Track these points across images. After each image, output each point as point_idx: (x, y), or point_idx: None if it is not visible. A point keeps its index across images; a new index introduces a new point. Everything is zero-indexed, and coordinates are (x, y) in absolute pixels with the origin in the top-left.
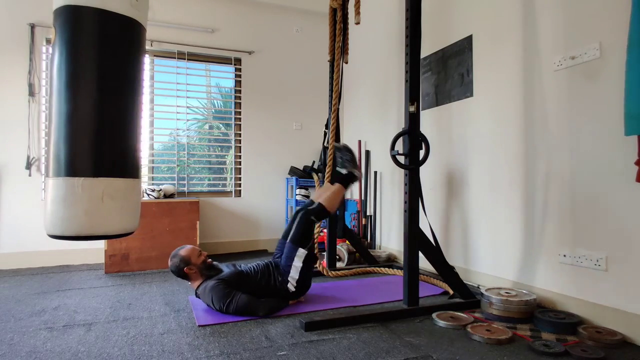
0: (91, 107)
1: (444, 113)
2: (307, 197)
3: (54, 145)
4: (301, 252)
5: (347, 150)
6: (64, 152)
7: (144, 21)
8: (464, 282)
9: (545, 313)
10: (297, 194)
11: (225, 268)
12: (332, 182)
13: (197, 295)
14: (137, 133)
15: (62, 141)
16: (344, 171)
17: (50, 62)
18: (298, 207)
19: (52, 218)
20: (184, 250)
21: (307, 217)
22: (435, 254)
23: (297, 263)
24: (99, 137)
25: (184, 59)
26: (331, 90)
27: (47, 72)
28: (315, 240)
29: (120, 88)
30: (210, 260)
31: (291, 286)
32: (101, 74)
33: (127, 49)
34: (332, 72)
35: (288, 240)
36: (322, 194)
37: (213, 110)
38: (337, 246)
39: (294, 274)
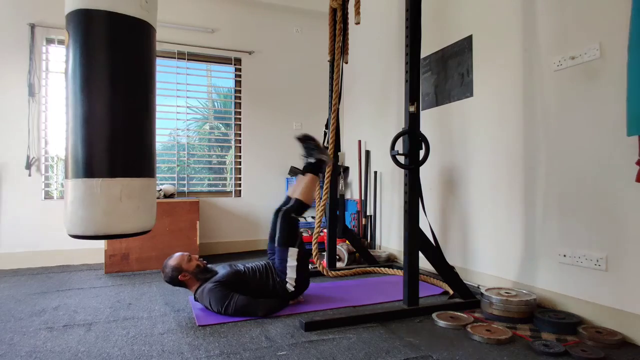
0: (106, 109)
1: (444, 113)
2: None
3: (71, 147)
4: (292, 251)
5: (307, 138)
6: (81, 154)
7: (153, 22)
8: (464, 282)
9: (545, 313)
10: None
11: (222, 269)
12: (302, 173)
13: (196, 299)
14: (152, 133)
15: (80, 143)
16: (312, 160)
17: (65, 65)
18: (277, 208)
19: (72, 218)
20: (173, 259)
21: (287, 216)
22: (435, 254)
23: (292, 262)
24: (114, 138)
25: (184, 59)
26: (331, 90)
27: (46, 74)
28: (315, 241)
29: (134, 89)
30: (204, 262)
31: (290, 286)
32: (114, 76)
33: (139, 50)
34: (332, 72)
35: (276, 244)
36: (296, 188)
37: (213, 110)
38: (337, 246)
39: (291, 274)
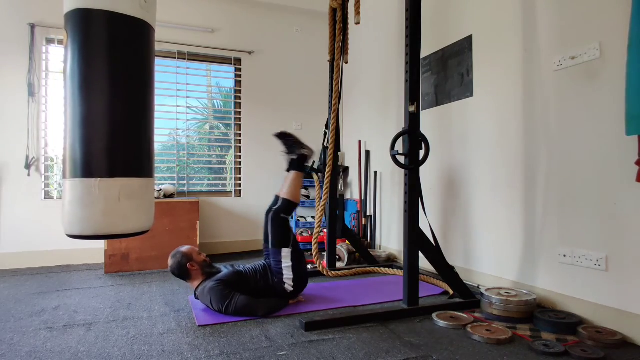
0: (105, 108)
1: (444, 113)
2: (307, 197)
3: (69, 147)
4: (286, 252)
5: (285, 135)
6: (79, 153)
7: (153, 22)
8: (464, 282)
9: (545, 313)
10: None
11: (224, 268)
12: (287, 170)
13: (195, 296)
14: (150, 132)
15: (78, 143)
16: (294, 156)
17: (64, 65)
18: (267, 209)
19: (70, 218)
20: (185, 248)
21: (277, 217)
22: (435, 254)
23: (287, 263)
24: (113, 138)
25: (184, 59)
26: (331, 90)
27: (46, 74)
28: (315, 241)
29: (132, 89)
30: (208, 259)
31: (289, 286)
32: (113, 75)
33: (138, 50)
34: (332, 72)
35: (270, 246)
36: (283, 188)
37: (213, 110)
38: (337, 246)
39: (288, 274)
